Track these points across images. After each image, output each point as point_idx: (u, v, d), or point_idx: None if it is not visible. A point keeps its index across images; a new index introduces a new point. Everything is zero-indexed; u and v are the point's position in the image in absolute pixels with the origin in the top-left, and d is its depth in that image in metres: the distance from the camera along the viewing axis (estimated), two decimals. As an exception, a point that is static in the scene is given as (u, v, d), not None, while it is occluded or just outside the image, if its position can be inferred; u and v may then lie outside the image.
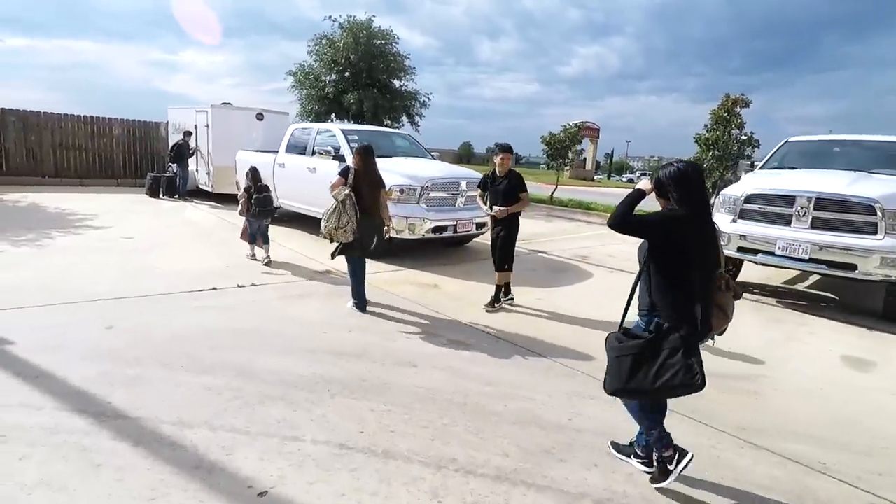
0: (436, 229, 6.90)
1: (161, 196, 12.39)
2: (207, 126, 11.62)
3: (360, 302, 4.89)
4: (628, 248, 8.97)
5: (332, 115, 16.38)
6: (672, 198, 2.29)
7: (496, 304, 5.25)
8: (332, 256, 4.83)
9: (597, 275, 7.00)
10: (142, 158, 14.81)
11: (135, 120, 14.71)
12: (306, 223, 8.60)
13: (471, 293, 5.74)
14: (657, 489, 2.44)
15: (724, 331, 2.46)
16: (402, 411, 3.01)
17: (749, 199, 5.89)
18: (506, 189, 5.09)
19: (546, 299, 5.68)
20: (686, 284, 2.26)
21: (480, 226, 7.54)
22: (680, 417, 3.06)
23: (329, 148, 7.69)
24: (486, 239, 8.56)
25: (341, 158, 7.55)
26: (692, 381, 2.16)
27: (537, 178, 26.36)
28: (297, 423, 2.79)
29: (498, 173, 5.16)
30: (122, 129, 14.47)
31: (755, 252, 5.77)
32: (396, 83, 16.97)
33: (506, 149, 5.14)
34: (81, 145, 13.98)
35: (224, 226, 8.95)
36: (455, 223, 7.10)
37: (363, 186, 4.75)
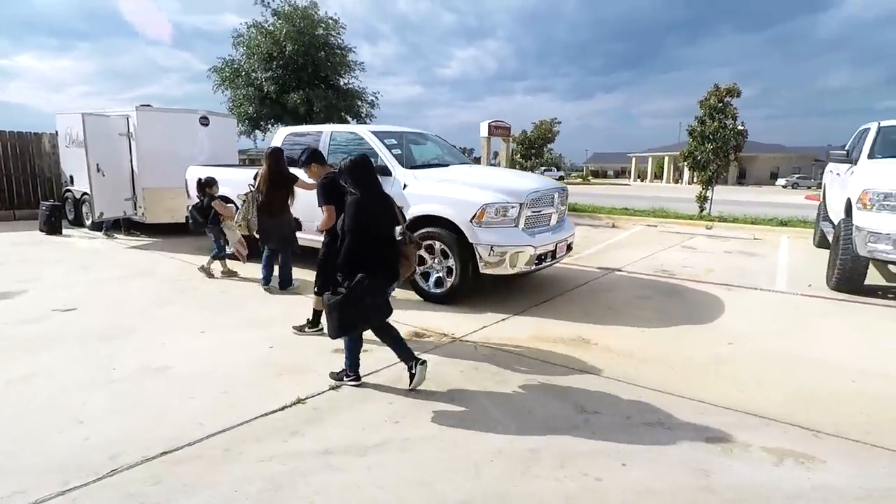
0: (540, 258, 5.20)
1: (62, 233, 9.16)
2: (129, 135, 8.67)
3: (267, 278, 5.61)
4: (690, 256, 7.90)
5: (271, 119, 13.78)
6: (348, 182, 3.13)
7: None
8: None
9: (724, 297, 5.72)
10: (18, 182, 11.09)
11: (3, 131, 10.95)
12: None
13: (646, 348, 4.17)
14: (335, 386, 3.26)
15: (412, 274, 3.78)
16: None
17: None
18: None
19: (741, 341, 4.28)
20: (369, 244, 3.03)
21: (569, 247, 5.98)
22: None
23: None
24: (568, 263, 7.04)
25: (383, 170, 5.54)
26: (379, 310, 3.05)
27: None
28: None
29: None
30: (-13, 143, 10.68)
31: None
32: (341, 80, 14.71)
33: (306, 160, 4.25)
34: (-76, 168, 10.04)
35: (195, 273, 6.38)
36: (555, 247, 5.45)
37: (267, 188, 5.25)
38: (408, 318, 4.79)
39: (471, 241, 4.96)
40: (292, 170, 5.31)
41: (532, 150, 14.61)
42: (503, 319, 4.82)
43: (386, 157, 5.60)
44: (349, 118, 14.29)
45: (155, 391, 3.24)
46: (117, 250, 7.99)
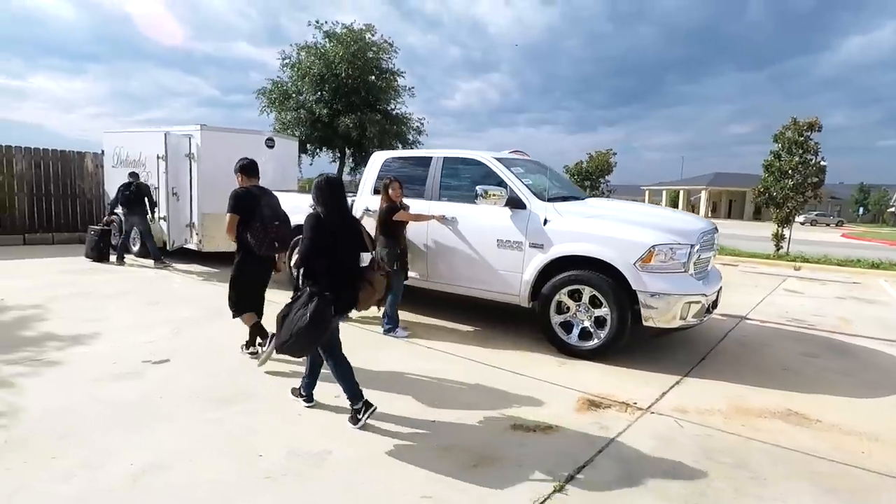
0: (709, 309, 4.45)
1: (112, 260, 8.44)
2: (191, 156, 8.05)
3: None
4: (806, 302, 7.01)
5: (319, 143, 13.24)
6: (315, 200, 3.11)
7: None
8: None
9: (901, 355, 4.96)
10: (59, 204, 10.44)
11: (46, 150, 10.36)
12: (440, 306, 5.62)
13: (885, 428, 3.37)
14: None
15: (380, 303, 3.73)
16: None
17: None
18: None
19: None
20: (318, 261, 2.97)
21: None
22: None
23: (488, 188, 4.84)
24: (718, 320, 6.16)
25: (515, 203, 4.84)
26: (305, 321, 2.81)
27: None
28: None
29: None
30: (28, 161, 10.07)
31: None
32: (389, 105, 14.22)
33: None
34: (-39, 187, 9.41)
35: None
36: (716, 296, 4.71)
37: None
38: (555, 376, 4.03)
39: (634, 287, 4.21)
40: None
41: (588, 181, 14.02)
42: (677, 383, 4.02)
43: (518, 188, 4.89)
44: (398, 144, 13.75)
45: (328, 491, 2.44)
46: (177, 282, 7.25)
